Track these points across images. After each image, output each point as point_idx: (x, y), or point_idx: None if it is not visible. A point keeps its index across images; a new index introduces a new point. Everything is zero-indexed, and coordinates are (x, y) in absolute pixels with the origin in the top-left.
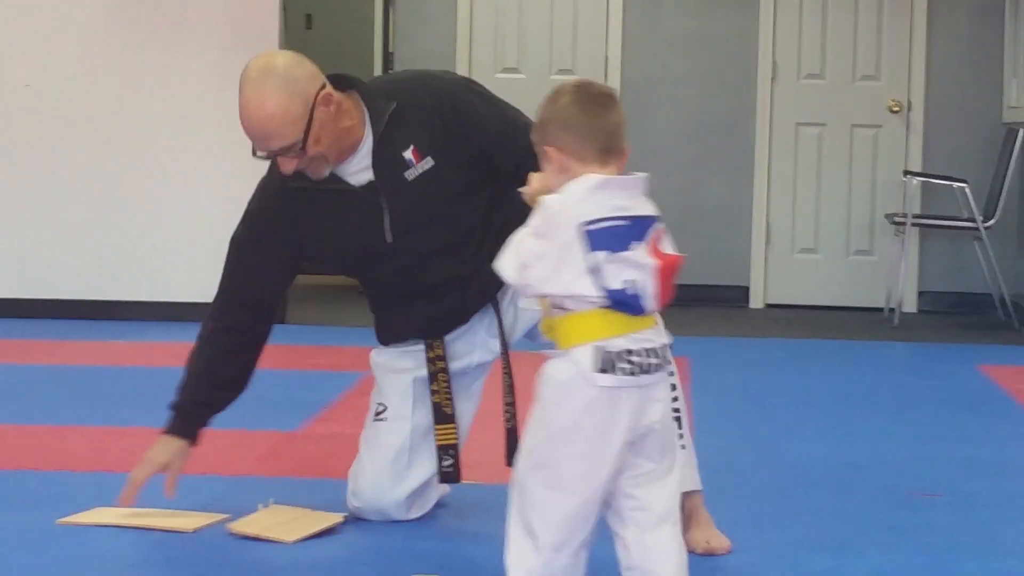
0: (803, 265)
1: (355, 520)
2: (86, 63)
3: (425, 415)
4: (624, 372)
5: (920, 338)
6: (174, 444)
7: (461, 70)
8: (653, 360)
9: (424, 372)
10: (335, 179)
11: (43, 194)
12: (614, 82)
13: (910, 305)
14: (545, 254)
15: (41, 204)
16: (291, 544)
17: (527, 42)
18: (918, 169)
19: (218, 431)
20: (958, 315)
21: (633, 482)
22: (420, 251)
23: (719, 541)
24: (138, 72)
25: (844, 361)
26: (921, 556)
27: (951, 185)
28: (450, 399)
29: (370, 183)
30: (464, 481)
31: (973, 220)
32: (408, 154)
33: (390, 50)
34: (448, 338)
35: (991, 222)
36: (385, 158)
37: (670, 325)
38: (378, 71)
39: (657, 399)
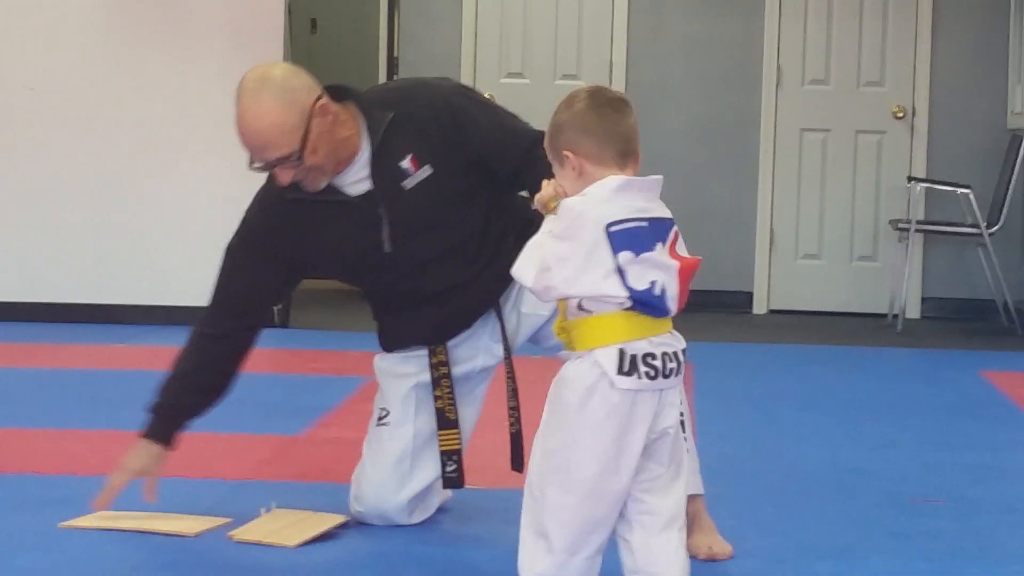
0: (807, 271)
1: (357, 524)
2: (88, 65)
3: (428, 420)
4: (645, 375)
5: (923, 344)
6: (150, 449)
7: (466, 74)
8: (671, 364)
9: (427, 377)
10: (333, 190)
11: (43, 197)
12: (618, 87)
13: (913, 311)
14: (569, 256)
15: (41, 207)
16: (293, 548)
17: (532, 47)
18: (922, 175)
19: (221, 435)
20: (961, 321)
21: (642, 486)
22: (419, 259)
23: (721, 547)
24: (141, 75)
25: (847, 367)
26: (924, 562)
27: (955, 191)
28: (453, 404)
29: (368, 193)
30: (467, 486)
31: (977, 226)
32: (406, 163)
33: (395, 54)
34: (451, 343)
35: (995, 228)
36: (383, 168)
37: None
38: (383, 75)
39: (672, 403)
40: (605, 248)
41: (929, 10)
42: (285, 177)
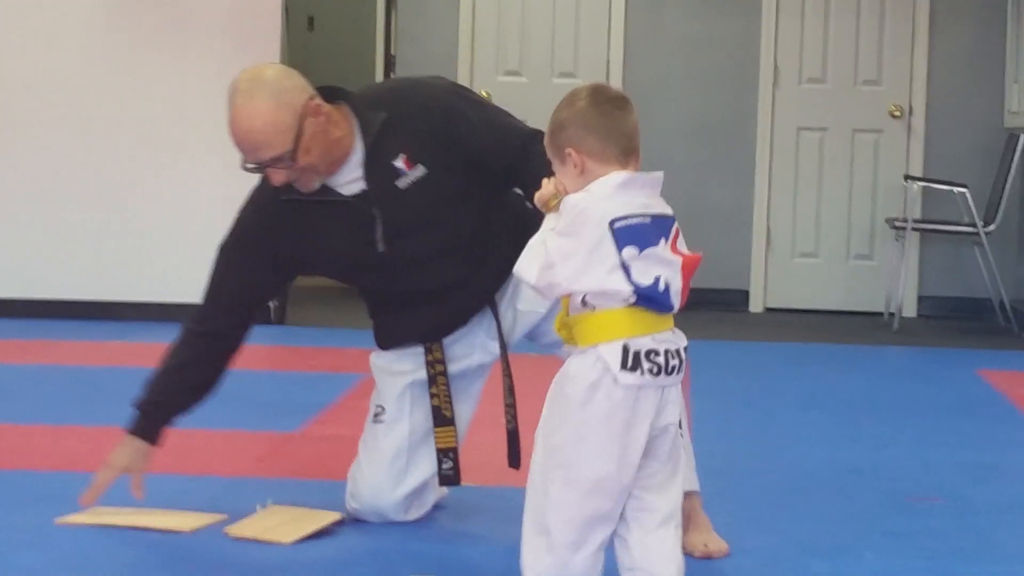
0: (803, 269)
1: (353, 521)
2: (86, 64)
3: (423, 417)
4: (649, 372)
5: (920, 343)
6: (136, 446)
7: (463, 73)
8: (674, 361)
9: (423, 374)
10: (327, 190)
11: (42, 194)
12: (615, 85)
13: (910, 310)
14: (574, 252)
15: (40, 204)
16: (289, 545)
17: (529, 45)
18: (919, 174)
19: (217, 431)
20: (958, 320)
21: (640, 484)
22: (414, 258)
23: (717, 545)
24: (139, 73)
25: (844, 366)
26: (920, 561)
27: (952, 190)
28: (449, 402)
29: (362, 193)
30: (463, 484)
31: (974, 225)
32: (399, 163)
33: (392, 52)
34: (447, 341)
35: (991, 227)
36: (376, 168)
37: None
38: (380, 73)
39: (673, 401)
40: (609, 244)
41: (926, 9)
42: (278, 178)
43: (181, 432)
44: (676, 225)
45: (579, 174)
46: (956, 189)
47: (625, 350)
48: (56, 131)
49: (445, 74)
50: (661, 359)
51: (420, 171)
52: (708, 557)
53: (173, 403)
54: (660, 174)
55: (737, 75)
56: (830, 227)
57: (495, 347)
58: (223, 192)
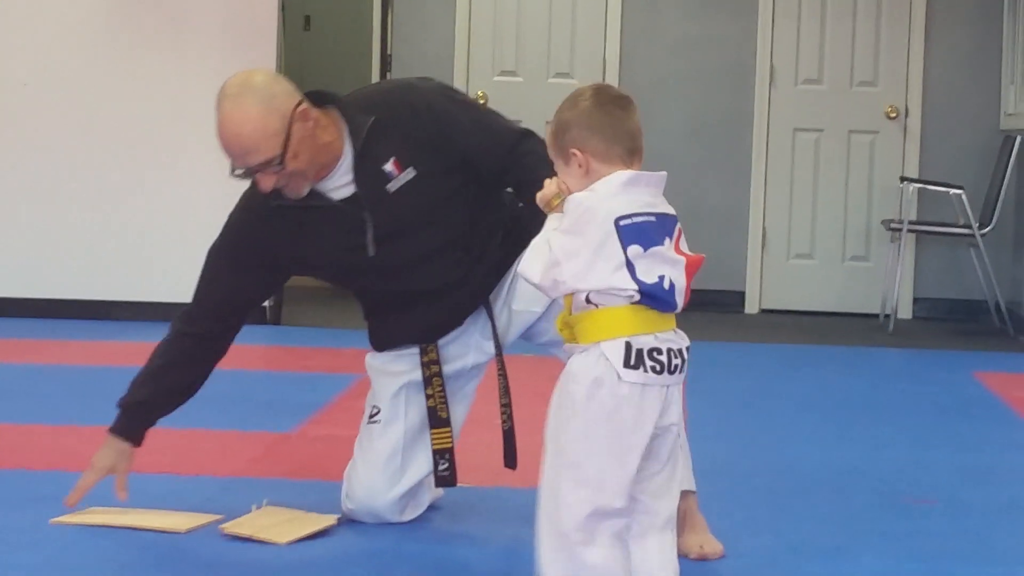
0: (799, 270)
1: (349, 522)
2: (81, 62)
3: (418, 416)
4: (651, 370)
5: (915, 344)
6: (119, 447)
7: (459, 72)
8: (676, 360)
9: (418, 375)
10: (316, 195)
11: (41, 194)
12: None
13: (905, 311)
14: (579, 250)
15: (39, 204)
16: (284, 545)
17: (525, 45)
18: (915, 175)
19: (213, 432)
20: (953, 322)
21: (641, 486)
22: (405, 261)
23: (712, 546)
24: (137, 72)
25: (839, 367)
26: (916, 562)
27: (947, 192)
28: (445, 403)
29: (352, 197)
30: (459, 484)
31: (969, 227)
32: (389, 166)
33: (388, 52)
34: (442, 342)
35: (987, 229)
36: (366, 172)
37: None
38: (376, 73)
39: (675, 401)
40: (614, 242)
41: (922, 11)
42: (267, 183)
43: (176, 432)
44: (679, 225)
45: (584, 174)
46: (952, 191)
47: (628, 348)
48: (55, 131)
49: (442, 74)
50: (664, 357)
51: (410, 174)
52: (703, 559)
53: (157, 404)
54: (664, 173)
55: (733, 76)
56: (826, 228)
57: (490, 347)
58: (222, 192)
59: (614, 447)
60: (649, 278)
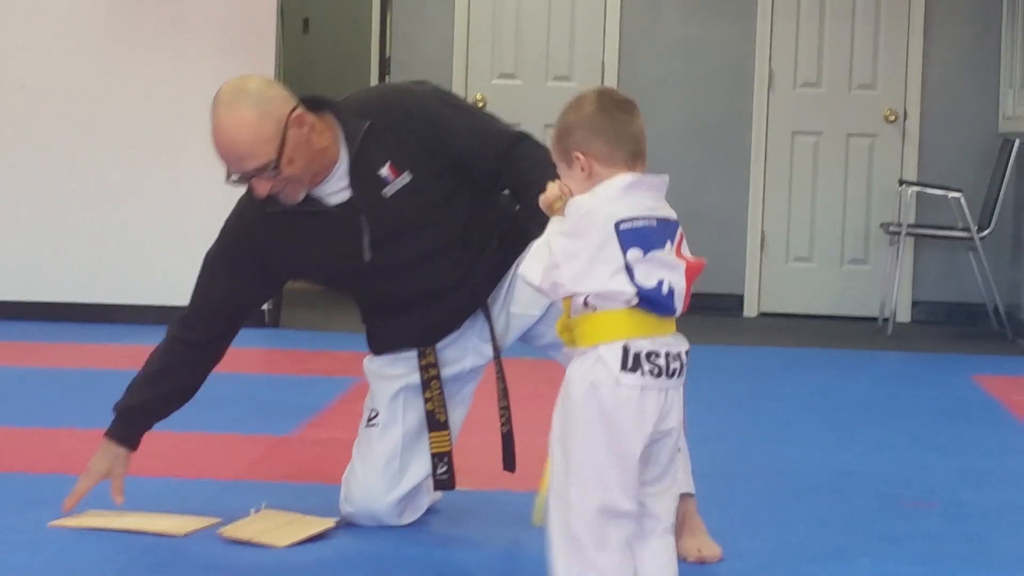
0: (797, 274)
1: (347, 525)
2: (80, 64)
3: (416, 419)
4: (649, 373)
5: (914, 348)
6: (115, 451)
7: (458, 75)
8: (675, 364)
9: (416, 378)
10: (312, 201)
11: (39, 197)
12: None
13: (904, 315)
14: (578, 252)
15: (38, 207)
16: (283, 549)
17: (524, 47)
18: (913, 179)
19: (211, 435)
20: (952, 325)
21: (643, 490)
22: (401, 265)
23: (711, 549)
24: (136, 75)
25: (838, 370)
26: (915, 565)
27: (946, 195)
28: (443, 406)
29: (348, 202)
30: (458, 488)
31: (968, 230)
32: (385, 171)
33: (387, 55)
34: (440, 345)
35: (986, 232)
36: (362, 177)
37: None
38: (375, 76)
39: (675, 405)
40: (614, 245)
41: (921, 14)
42: (263, 188)
43: (175, 435)
44: (680, 229)
45: (586, 178)
46: (951, 194)
47: (625, 351)
48: (54, 132)
49: (441, 76)
50: (662, 361)
51: (406, 178)
52: (702, 562)
53: (153, 409)
54: (666, 177)
55: (732, 79)
56: (824, 231)
57: (488, 350)
58: (222, 194)
59: (616, 450)
60: (648, 282)
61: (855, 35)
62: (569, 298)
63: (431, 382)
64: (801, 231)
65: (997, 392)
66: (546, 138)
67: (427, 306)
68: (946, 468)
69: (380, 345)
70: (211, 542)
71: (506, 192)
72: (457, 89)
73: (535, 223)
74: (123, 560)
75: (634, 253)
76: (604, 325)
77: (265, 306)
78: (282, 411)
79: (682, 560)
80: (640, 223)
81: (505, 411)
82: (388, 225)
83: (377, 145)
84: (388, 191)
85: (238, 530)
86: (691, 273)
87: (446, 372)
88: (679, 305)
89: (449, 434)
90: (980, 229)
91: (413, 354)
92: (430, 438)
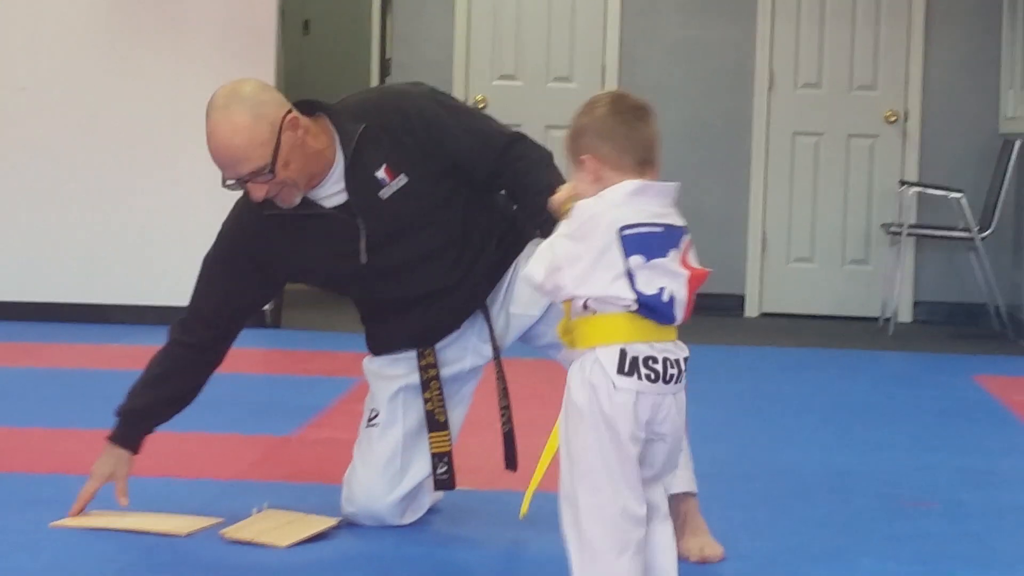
0: (798, 274)
1: (349, 524)
2: (80, 65)
3: (416, 419)
4: (646, 378)
5: (915, 348)
6: (117, 454)
7: (458, 77)
8: (672, 370)
9: (415, 378)
10: (309, 204)
11: (38, 197)
12: (611, 89)
13: (905, 315)
14: (581, 256)
15: (37, 207)
16: (284, 548)
17: (524, 49)
18: (914, 179)
19: (213, 435)
20: (953, 325)
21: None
22: (399, 266)
23: (713, 549)
24: (135, 76)
25: (839, 370)
26: (916, 565)
27: (947, 195)
28: (443, 406)
29: (344, 204)
30: (458, 488)
31: (969, 230)
32: (381, 173)
33: (387, 56)
34: (439, 345)
35: (987, 232)
36: (358, 179)
37: None
38: (375, 77)
39: (672, 410)
40: (616, 251)
41: (922, 14)
42: (258, 192)
43: (177, 436)
44: (688, 237)
45: (594, 181)
46: (951, 194)
47: (622, 355)
48: (48, 132)
49: (441, 78)
50: (659, 366)
51: (402, 180)
52: (704, 561)
53: (154, 412)
54: (675, 184)
55: (732, 80)
56: (825, 232)
57: (487, 350)
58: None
59: (616, 452)
60: (649, 289)
61: (856, 36)
62: (570, 300)
63: (431, 382)
64: (802, 231)
65: (998, 392)
66: (546, 139)
67: (426, 307)
68: (947, 468)
69: (379, 346)
70: (213, 542)
71: (502, 192)
72: (457, 90)
73: (533, 223)
74: (124, 560)
75: (636, 259)
76: (603, 328)
77: (266, 306)
78: (283, 411)
79: (684, 560)
80: (644, 229)
81: (506, 411)
82: (385, 227)
83: (373, 147)
84: (384, 193)
85: (239, 531)
86: (694, 282)
87: (445, 372)
88: (679, 313)
89: (449, 434)
90: (981, 229)
91: (413, 354)
92: (430, 438)
